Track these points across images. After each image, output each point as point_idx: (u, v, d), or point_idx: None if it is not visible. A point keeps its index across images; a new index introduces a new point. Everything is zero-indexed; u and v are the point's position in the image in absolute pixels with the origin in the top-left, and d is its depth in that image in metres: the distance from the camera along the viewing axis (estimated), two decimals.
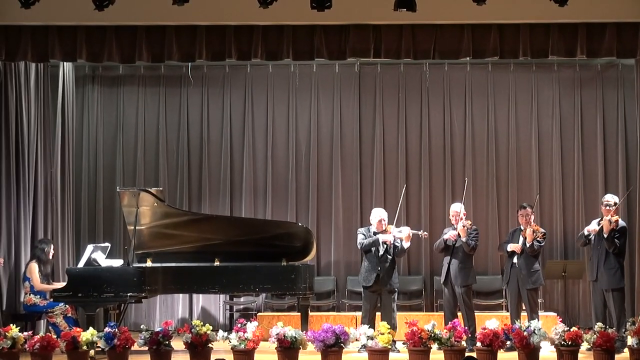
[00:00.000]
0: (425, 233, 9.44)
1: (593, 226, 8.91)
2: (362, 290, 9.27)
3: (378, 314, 9.12)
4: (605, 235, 8.70)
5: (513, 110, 11.28)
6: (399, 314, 9.26)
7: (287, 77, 11.36)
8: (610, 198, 8.92)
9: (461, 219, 9.09)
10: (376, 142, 11.28)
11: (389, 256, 9.04)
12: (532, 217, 9.07)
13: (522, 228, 9.06)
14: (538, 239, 8.95)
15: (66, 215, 10.44)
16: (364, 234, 9.17)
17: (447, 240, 9.12)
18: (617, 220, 8.78)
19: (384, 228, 9.12)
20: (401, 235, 9.04)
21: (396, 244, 9.08)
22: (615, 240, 8.71)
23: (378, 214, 9.20)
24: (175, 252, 9.32)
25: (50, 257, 9.41)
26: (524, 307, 9.09)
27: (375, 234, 9.13)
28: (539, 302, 9.54)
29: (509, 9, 8.88)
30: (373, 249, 9.05)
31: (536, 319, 8.25)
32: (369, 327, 8.27)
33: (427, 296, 10.99)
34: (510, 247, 9.07)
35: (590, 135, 11.18)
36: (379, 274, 8.99)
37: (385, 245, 9.06)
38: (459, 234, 9.03)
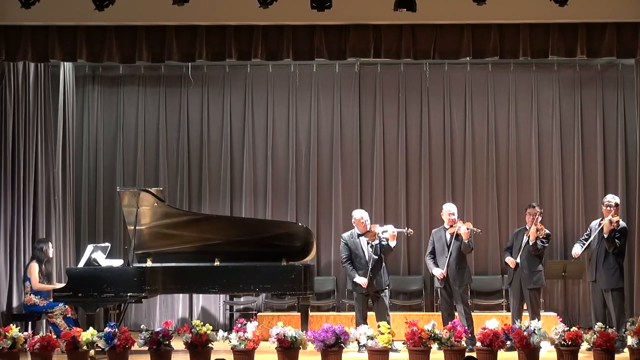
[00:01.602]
0: (411, 230, 9.36)
1: (576, 250, 8.98)
2: (353, 292, 9.29)
3: (371, 314, 9.12)
4: (605, 236, 8.71)
5: (513, 110, 11.28)
6: (399, 314, 9.27)
7: (287, 77, 11.36)
8: (612, 198, 8.93)
9: (455, 218, 9.11)
10: (376, 142, 11.28)
11: (375, 257, 9.02)
12: (540, 217, 9.06)
13: (527, 227, 9.07)
14: (542, 238, 8.94)
15: (67, 215, 10.44)
16: (347, 243, 9.14)
17: (434, 275, 9.21)
18: (619, 220, 8.79)
19: (367, 229, 9.10)
20: (386, 235, 9.04)
21: (382, 242, 9.07)
22: (616, 240, 8.72)
23: (359, 215, 9.20)
24: (175, 252, 9.32)
25: (50, 255, 9.40)
26: (525, 308, 9.09)
27: (359, 235, 9.12)
28: (541, 302, 9.52)
29: (509, 9, 8.88)
30: (360, 253, 9.05)
31: (536, 319, 8.25)
32: (368, 327, 8.27)
33: (427, 296, 10.99)
34: (507, 260, 9.13)
35: (590, 135, 11.18)
36: (371, 277, 8.98)
37: (370, 246, 9.03)
38: (457, 235, 9.01)
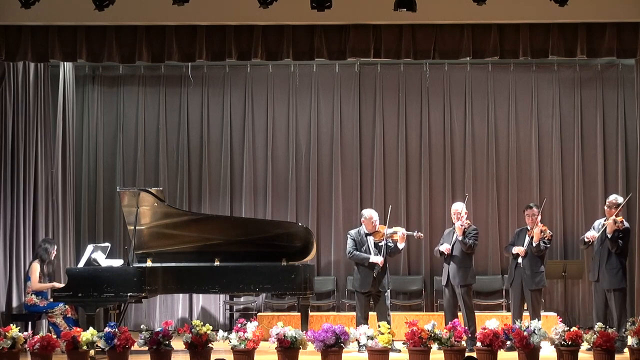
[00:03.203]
0: (420, 234, 9.35)
1: (591, 233, 8.92)
2: (354, 292, 9.27)
3: (372, 314, 9.12)
4: (609, 236, 8.70)
5: (513, 110, 11.28)
6: (399, 314, 9.26)
7: (287, 77, 11.36)
8: (614, 199, 8.93)
9: (462, 217, 9.08)
10: (376, 142, 11.28)
11: (382, 258, 9.01)
12: (539, 217, 9.06)
13: (529, 228, 9.06)
14: (545, 239, 8.93)
15: (67, 215, 10.44)
16: (354, 239, 9.13)
17: (441, 252, 9.15)
18: (622, 220, 8.79)
19: (376, 229, 9.10)
20: (396, 237, 9.03)
21: (389, 244, 9.07)
22: (619, 240, 8.72)
23: (369, 214, 9.18)
24: (175, 252, 9.32)
25: (53, 257, 9.40)
26: (525, 308, 9.08)
27: (366, 235, 9.12)
28: (542, 302, 9.51)
29: (509, 9, 8.88)
30: (367, 252, 9.03)
31: (537, 319, 8.25)
32: (368, 327, 8.27)
33: (427, 296, 10.99)
34: (515, 249, 9.08)
35: (590, 135, 11.19)
36: (374, 277, 8.98)
37: (378, 246, 9.02)
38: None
